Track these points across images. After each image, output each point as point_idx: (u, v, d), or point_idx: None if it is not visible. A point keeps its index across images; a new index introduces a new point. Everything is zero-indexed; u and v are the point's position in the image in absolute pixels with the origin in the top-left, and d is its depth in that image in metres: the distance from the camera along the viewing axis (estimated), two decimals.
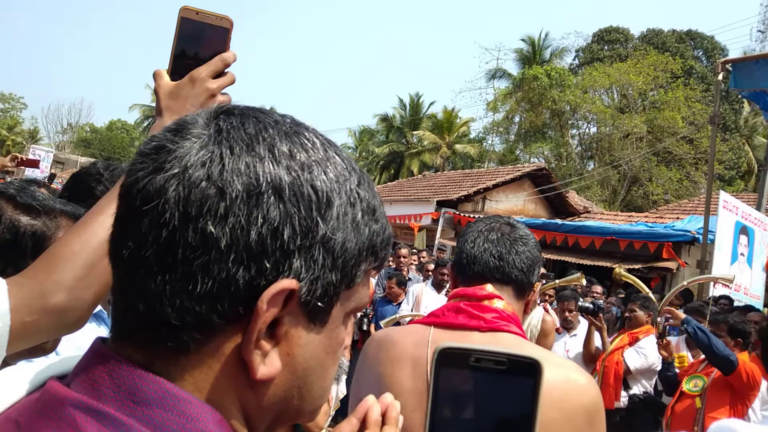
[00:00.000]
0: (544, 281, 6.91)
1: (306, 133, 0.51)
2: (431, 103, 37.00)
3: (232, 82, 0.92)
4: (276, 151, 0.48)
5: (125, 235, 0.47)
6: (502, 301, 1.22)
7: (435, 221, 14.63)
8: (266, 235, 0.45)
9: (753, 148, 23.47)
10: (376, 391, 0.62)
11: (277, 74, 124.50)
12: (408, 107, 36.87)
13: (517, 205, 16.12)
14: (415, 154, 32.98)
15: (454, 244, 14.56)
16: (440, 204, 14.97)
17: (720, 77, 5.74)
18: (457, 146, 32.00)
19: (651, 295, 4.77)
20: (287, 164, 0.47)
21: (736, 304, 7.62)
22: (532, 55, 29.90)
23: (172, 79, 0.90)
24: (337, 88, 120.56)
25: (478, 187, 15.56)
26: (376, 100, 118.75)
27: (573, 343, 4.75)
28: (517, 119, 29.04)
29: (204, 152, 0.46)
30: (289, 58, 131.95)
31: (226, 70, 0.92)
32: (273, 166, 0.47)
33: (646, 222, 12.64)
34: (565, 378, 1.11)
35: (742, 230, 10.01)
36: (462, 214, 14.69)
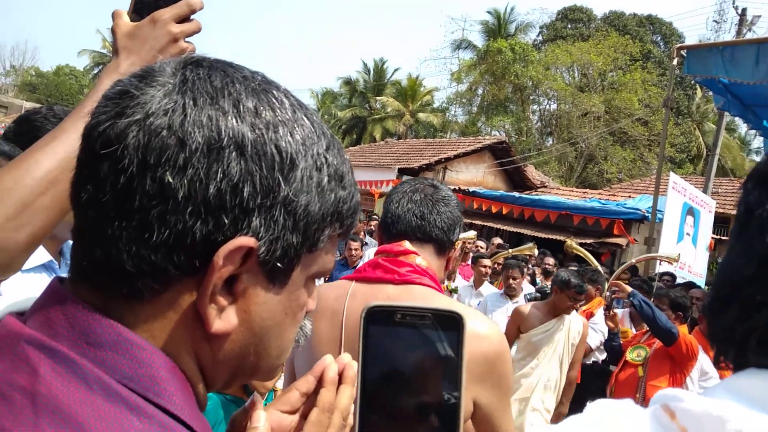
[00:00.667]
0: (498, 250, 7.08)
1: (275, 92, 0.50)
2: (396, 69, 36.65)
3: (198, 30, 0.86)
4: (241, 107, 0.46)
5: (84, 178, 0.46)
6: (419, 257, 1.28)
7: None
8: (225, 190, 0.44)
9: (703, 133, 24.39)
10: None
11: (237, 22, 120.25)
12: (372, 72, 36.38)
13: (477, 176, 16.30)
14: (377, 120, 32.72)
15: None
16: (401, 171, 14.98)
17: (675, 62, 5.87)
18: (420, 115, 31.91)
19: (600, 268, 4.93)
20: (252, 121, 0.46)
21: (678, 281, 8.00)
22: (497, 28, 29.83)
23: (132, 20, 0.84)
24: (299, 44, 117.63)
25: (440, 157, 15.62)
26: (340, 62, 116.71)
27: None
28: (480, 91, 29.14)
29: (167, 101, 0.45)
30: (250, 4, 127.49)
31: (191, 18, 0.85)
32: (236, 122, 0.46)
33: (600, 199, 13.04)
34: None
35: (689, 211, 10.44)
36: None
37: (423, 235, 1.32)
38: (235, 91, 0.47)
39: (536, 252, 5.98)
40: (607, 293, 4.76)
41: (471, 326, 1.14)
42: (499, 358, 1.18)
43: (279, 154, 0.46)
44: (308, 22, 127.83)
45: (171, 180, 0.43)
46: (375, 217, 11.83)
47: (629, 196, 13.22)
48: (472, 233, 6.55)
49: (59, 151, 0.77)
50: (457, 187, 13.95)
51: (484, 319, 1.24)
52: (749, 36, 14.17)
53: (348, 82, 37.12)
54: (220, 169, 0.44)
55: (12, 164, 0.80)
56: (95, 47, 46.47)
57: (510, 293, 4.86)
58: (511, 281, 4.82)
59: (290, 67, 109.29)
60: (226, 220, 0.45)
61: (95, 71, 46.66)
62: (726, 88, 6.43)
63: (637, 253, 10.06)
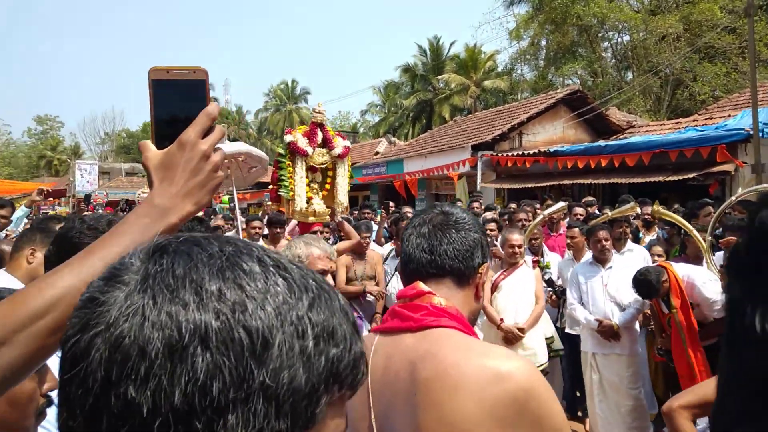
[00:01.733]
0: (596, 213, 6.67)
1: (246, 263, 0.46)
2: (452, 44, 35.93)
3: (222, 137, 0.85)
4: (203, 293, 0.43)
5: (60, 402, 0.44)
6: (435, 297, 1.20)
7: (474, 167, 14.33)
8: (192, 393, 0.40)
9: None
10: None
11: (293, 46, 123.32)
12: (428, 53, 35.85)
13: (556, 133, 15.53)
14: (443, 100, 32.23)
15: (498, 186, 14.28)
16: (475, 148, 14.63)
17: None
18: (486, 83, 31.00)
19: (694, 231, 4.39)
20: (215, 307, 0.43)
21: None
22: None
23: (159, 147, 0.83)
24: (352, 48, 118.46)
25: (512, 123, 15.06)
26: (396, 52, 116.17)
27: (611, 276, 4.50)
28: (543, 43, 27.74)
29: (128, 303, 0.43)
30: (296, 29, 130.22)
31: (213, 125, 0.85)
32: (198, 313, 0.42)
33: (696, 126, 11.95)
34: (481, 367, 1.06)
35: None
36: (500, 154, 14.33)
37: (437, 270, 1.24)
38: (197, 276, 0.44)
39: (638, 209, 5.57)
40: (710, 238, 4.31)
41: (486, 365, 1.06)
42: (530, 396, 1.04)
43: (249, 337, 0.42)
44: (354, 21, 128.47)
45: (134, 394, 0.40)
46: (459, 201, 11.65)
47: (728, 116, 11.97)
48: (560, 204, 6.24)
49: (67, 279, 0.73)
50: (536, 150, 13.39)
51: (506, 356, 1.11)
52: None
53: (407, 69, 36.85)
54: (184, 371, 0.40)
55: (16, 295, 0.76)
56: None
57: (602, 258, 4.56)
58: (601, 244, 4.52)
59: (348, 73, 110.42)
60: (198, 425, 0.40)
61: None
62: None
63: (749, 176, 9.11)
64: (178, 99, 0.84)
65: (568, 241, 5.12)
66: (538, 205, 7.59)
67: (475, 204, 8.57)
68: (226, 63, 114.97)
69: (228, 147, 6.26)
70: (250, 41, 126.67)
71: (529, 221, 5.90)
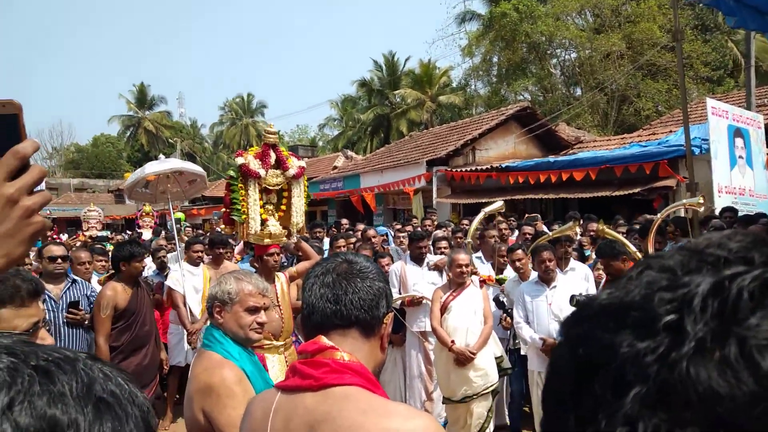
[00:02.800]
0: (540, 227, 6.83)
1: None
2: (407, 59, 36.29)
3: (42, 176, 0.75)
4: None
5: None
6: (338, 351, 1.16)
7: (429, 182, 14.47)
8: None
9: (737, 43, 22.86)
10: None
11: (249, 59, 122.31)
12: (384, 68, 36.19)
13: (508, 149, 15.88)
14: (401, 114, 32.54)
15: (453, 201, 14.45)
16: (430, 163, 14.78)
17: None
18: (441, 98, 31.49)
19: (637, 252, 4.57)
20: None
21: (741, 213, 7.52)
22: None
23: None
24: (308, 62, 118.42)
25: (466, 139, 15.31)
26: (352, 67, 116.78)
27: (555, 295, 4.59)
28: (495, 60, 28.42)
29: None
30: (252, 42, 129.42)
31: (30, 164, 0.75)
32: None
33: (640, 141, 12.45)
34: (382, 430, 1.05)
35: (736, 133, 9.85)
36: (454, 170, 14.53)
37: (342, 321, 1.20)
38: None
39: (577, 230, 5.71)
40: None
41: (391, 428, 1.05)
42: None
43: None
44: (310, 35, 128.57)
45: None
46: (414, 217, 11.73)
47: (670, 131, 12.54)
48: (498, 204, 6.32)
49: None
50: (489, 165, 13.65)
51: (407, 416, 1.09)
52: None
53: (363, 84, 37.10)
54: None
55: None
56: (122, 111, 48.51)
57: (546, 278, 4.64)
58: (545, 265, 4.61)
59: (305, 88, 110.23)
60: None
61: (127, 133, 48.60)
62: (738, 2, 5.95)
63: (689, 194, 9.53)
64: None
65: (516, 263, 5.19)
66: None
67: (428, 222, 8.63)
68: (180, 76, 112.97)
69: (162, 165, 6.16)
70: (204, 54, 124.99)
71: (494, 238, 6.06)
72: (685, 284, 0.36)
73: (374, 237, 6.83)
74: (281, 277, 4.35)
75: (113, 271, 4.79)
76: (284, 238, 4.56)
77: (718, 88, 22.87)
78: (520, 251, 5.17)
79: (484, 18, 27.68)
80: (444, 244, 5.85)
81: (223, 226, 4.83)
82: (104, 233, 15.14)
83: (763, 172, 10.30)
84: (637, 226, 6.21)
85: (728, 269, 0.35)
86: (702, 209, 5.12)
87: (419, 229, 7.35)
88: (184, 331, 5.45)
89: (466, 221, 8.44)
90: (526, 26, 24.02)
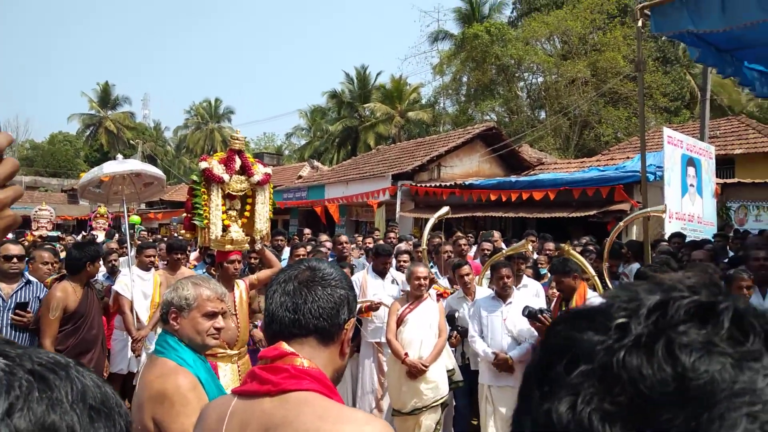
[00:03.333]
0: (485, 251, 6.95)
1: None
2: (378, 74, 36.76)
3: (13, 170, 0.70)
4: None
5: None
6: (298, 358, 1.17)
7: (393, 196, 14.54)
8: None
9: (694, 76, 23.92)
10: None
11: (218, 64, 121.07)
12: (356, 81, 36.38)
13: (472, 167, 16.14)
14: (369, 127, 32.69)
15: (416, 215, 14.56)
16: (396, 177, 14.88)
17: (639, 23, 5.67)
18: (410, 114, 31.81)
19: (595, 277, 4.73)
20: None
21: (688, 239, 7.81)
22: (471, 12, 29.62)
23: None
24: (281, 72, 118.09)
25: (432, 155, 15.49)
26: (323, 78, 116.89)
27: (510, 311, 4.65)
28: (464, 79, 28.94)
29: None
30: (224, 47, 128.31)
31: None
32: None
33: (598, 166, 12.83)
34: None
35: (689, 162, 10.26)
36: (418, 185, 14.65)
37: (300, 330, 1.21)
38: None
39: (530, 247, 5.84)
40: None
41: None
42: None
43: None
44: (282, 44, 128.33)
45: None
46: (377, 229, 11.75)
47: (627, 157, 12.99)
48: (445, 209, 6.38)
49: None
50: (453, 182, 13.82)
51: (363, 421, 1.11)
52: None
53: (334, 95, 37.18)
54: None
55: None
56: (83, 110, 47.21)
57: (503, 294, 4.71)
58: (503, 281, 4.68)
59: (276, 97, 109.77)
60: None
61: (87, 133, 47.28)
62: (699, 38, 6.24)
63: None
64: None
65: (463, 278, 5.24)
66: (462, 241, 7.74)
67: (391, 234, 8.66)
68: (146, 76, 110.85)
69: (120, 166, 6.00)
70: (173, 56, 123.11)
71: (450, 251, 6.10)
72: (639, 299, 0.46)
73: (345, 243, 6.85)
74: (241, 285, 4.27)
75: (63, 273, 4.64)
76: (246, 245, 4.50)
77: (675, 118, 23.85)
78: (466, 267, 5.25)
79: (456, 38, 28.22)
80: (406, 257, 5.87)
81: (182, 232, 4.72)
82: (55, 233, 14.62)
83: (711, 200, 10.75)
84: (591, 247, 6.37)
85: (675, 293, 0.45)
86: (664, 216, 5.37)
87: (381, 242, 7.36)
88: (128, 338, 5.28)
89: (439, 238, 8.50)
90: (496, 49, 24.58)
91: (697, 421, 0.38)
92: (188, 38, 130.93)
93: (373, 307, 5.27)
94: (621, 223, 5.31)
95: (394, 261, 5.84)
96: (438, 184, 14.12)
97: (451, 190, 13.28)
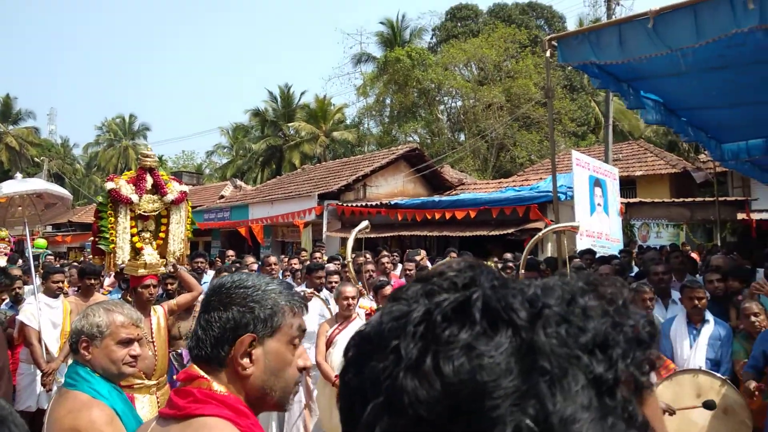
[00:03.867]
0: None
1: None
2: (302, 93, 36.68)
3: None
4: None
5: None
6: (206, 381, 1.19)
7: (320, 216, 14.51)
8: None
9: (598, 103, 25.82)
10: None
11: (132, 78, 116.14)
12: (279, 99, 36.12)
13: (397, 187, 16.45)
14: (294, 147, 32.47)
15: (342, 235, 14.58)
16: (322, 197, 14.87)
17: (548, 54, 6.11)
18: (335, 133, 31.96)
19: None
20: None
21: (598, 255, 8.36)
22: (393, 37, 30.44)
23: None
24: (200, 88, 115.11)
25: (357, 175, 15.64)
26: (246, 95, 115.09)
27: None
28: (388, 101, 29.55)
29: None
30: (139, 60, 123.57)
31: None
32: None
33: (514, 186, 13.49)
34: None
35: (596, 183, 11.01)
36: (345, 204, 14.72)
37: (203, 356, 1.22)
38: None
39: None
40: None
41: None
42: None
43: None
44: (206, 61, 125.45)
45: None
46: (304, 250, 11.65)
47: (541, 178, 13.75)
48: (364, 223, 6.42)
49: None
50: (379, 202, 14.02)
51: None
52: (618, 10, 15.20)
53: (257, 114, 36.67)
54: None
55: None
56: None
57: None
58: None
59: (196, 113, 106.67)
60: None
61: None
62: (601, 69, 6.78)
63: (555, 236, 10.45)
64: None
65: (383, 300, 5.35)
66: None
67: (317, 254, 8.64)
68: (52, 89, 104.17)
69: (21, 185, 5.58)
70: (82, 68, 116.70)
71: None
72: (407, 314, 0.45)
73: (274, 264, 6.79)
74: (158, 311, 4.06)
75: None
76: (162, 269, 4.30)
77: (582, 142, 25.55)
78: (388, 288, 5.31)
79: (379, 61, 28.83)
80: (336, 278, 5.88)
81: (91, 257, 4.45)
82: None
83: (617, 218, 11.59)
84: (510, 264, 6.69)
85: (437, 297, 0.45)
86: (578, 232, 5.77)
87: (308, 261, 7.35)
88: (37, 371, 4.89)
89: (363, 257, 8.56)
90: (417, 72, 25.35)
91: (473, 429, 0.38)
92: (100, 49, 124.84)
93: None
94: (537, 236, 5.63)
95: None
96: (364, 204, 14.26)
97: (377, 209, 13.46)
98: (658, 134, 24.03)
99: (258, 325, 1.22)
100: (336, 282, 5.74)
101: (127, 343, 2.09)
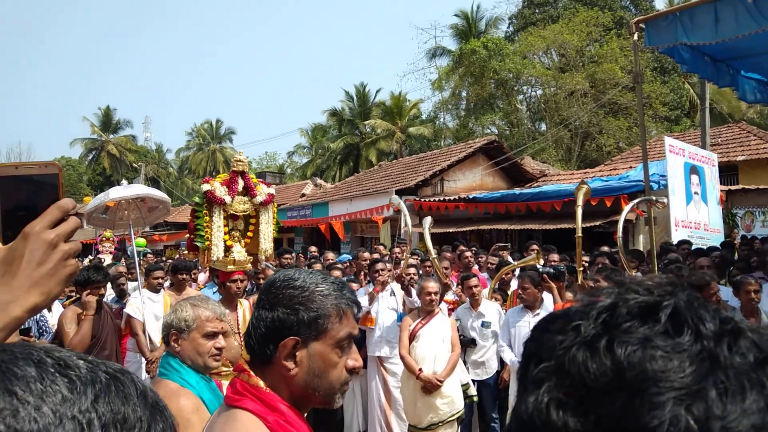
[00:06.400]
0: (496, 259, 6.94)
1: (19, 369, 0.47)
2: (378, 91, 37.08)
3: (77, 227, 0.85)
4: None
5: None
6: (249, 375, 1.25)
7: (398, 211, 14.56)
8: None
9: (693, 85, 24.08)
10: None
11: (218, 85, 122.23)
12: (356, 98, 36.65)
13: (475, 180, 16.18)
14: (370, 144, 32.85)
15: (420, 231, 14.53)
16: (399, 193, 14.90)
17: (635, 37, 5.76)
18: (411, 129, 31.98)
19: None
20: None
21: (694, 247, 7.80)
22: (468, 28, 29.95)
23: (6, 241, 0.84)
24: (281, 92, 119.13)
25: (435, 170, 15.54)
26: (323, 96, 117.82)
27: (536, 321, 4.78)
28: (464, 94, 29.15)
29: None
30: (224, 68, 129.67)
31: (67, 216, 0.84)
32: None
33: (601, 176, 12.85)
34: None
35: (692, 170, 10.28)
36: (422, 200, 14.68)
37: (251, 351, 1.27)
38: None
39: (541, 261, 5.87)
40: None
41: None
42: None
43: None
44: (285, 65, 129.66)
45: None
46: (383, 245, 11.75)
47: (630, 167, 13.02)
48: (533, 255, 6.29)
49: None
50: (457, 196, 13.85)
51: None
52: None
53: (334, 113, 37.42)
54: None
55: None
56: (85, 134, 47.56)
57: (528, 305, 4.85)
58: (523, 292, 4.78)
59: (277, 117, 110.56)
60: None
61: (90, 157, 47.59)
62: (694, 50, 6.31)
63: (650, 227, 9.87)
64: (28, 194, 0.86)
65: (472, 289, 5.29)
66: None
67: (396, 249, 8.67)
68: (147, 99, 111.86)
69: (125, 191, 6.06)
70: (173, 78, 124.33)
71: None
72: (594, 303, 0.52)
73: (365, 260, 6.87)
74: (245, 304, 4.28)
75: (77, 296, 4.67)
76: (249, 265, 4.52)
77: (676, 127, 23.94)
78: (474, 279, 5.30)
79: (454, 54, 28.48)
80: (412, 270, 5.87)
81: (186, 252, 4.76)
82: None
83: (716, 207, 10.76)
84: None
85: (629, 294, 0.51)
86: (661, 207, 5.56)
87: (386, 257, 7.39)
88: (142, 359, 5.28)
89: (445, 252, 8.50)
90: (494, 63, 24.79)
91: (632, 405, 0.44)
92: (188, 60, 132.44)
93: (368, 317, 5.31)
94: (622, 215, 5.36)
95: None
96: (442, 199, 14.16)
97: (455, 204, 13.31)
98: (763, 115, 22.07)
99: (302, 328, 1.23)
100: (414, 275, 5.73)
101: (212, 336, 2.20)
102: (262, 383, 1.22)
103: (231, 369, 3.98)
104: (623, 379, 0.45)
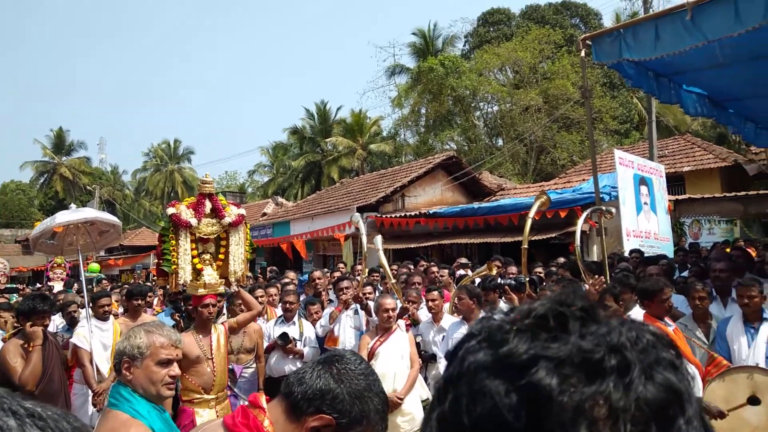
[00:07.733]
0: (461, 272, 7.04)
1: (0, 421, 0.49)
2: (338, 108, 37.09)
3: None
4: None
5: None
6: (262, 414, 1.28)
7: (359, 228, 14.57)
8: None
9: (641, 99, 25.07)
10: None
11: (175, 105, 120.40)
12: (316, 116, 36.68)
13: (435, 196, 16.38)
14: (332, 161, 32.86)
15: (383, 247, 14.56)
16: (361, 209, 14.93)
17: (583, 54, 5.99)
18: (372, 146, 32.16)
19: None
20: None
21: (645, 255, 8.08)
22: (426, 47, 30.50)
23: None
24: (240, 110, 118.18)
25: (395, 186, 15.66)
26: (284, 114, 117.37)
27: None
28: (423, 111, 29.56)
29: None
30: (181, 87, 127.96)
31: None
32: None
33: (556, 189, 13.20)
34: None
35: (641, 181, 10.66)
36: (384, 216, 14.75)
37: (285, 388, 1.30)
38: None
39: (494, 270, 5.96)
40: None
41: None
42: None
43: None
44: (243, 84, 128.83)
45: None
46: (343, 263, 11.72)
47: (584, 179, 13.43)
48: (484, 266, 6.35)
49: None
50: (417, 212, 13.98)
51: None
52: (656, 2, 14.78)
53: (295, 131, 37.33)
54: None
55: None
56: (36, 157, 45.95)
57: (465, 317, 4.87)
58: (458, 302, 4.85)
59: (235, 136, 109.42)
60: None
61: (41, 180, 45.96)
62: (638, 65, 6.59)
63: (602, 238, 10.16)
64: None
65: (429, 303, 5.32)
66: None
67: (359, 267, 8.67)
68: (101, 120, 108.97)
69: (73, 215, 5.85)
70: (128, 99, 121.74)
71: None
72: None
73: (319, 279, 6.89)
74: (219, 329, 4.22)
75: (19, 327, 4.47)
76: (221, 288, 4.45)
77: (626, 140, 24.84)
78: (435, 293, 5.32)
79: (412, 72, 28.91)
80: (369, 289, 5.89)
81: (154, 278, 4.66)
82: (12, 286, 14.03)
83: (665, 217, 11.17)
84: (553, 268, 6.54)
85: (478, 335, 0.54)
86: (609, 217, 5.66)
87: (349, 274, 7.40)
88: (89, 391, 5.08)
89: (394, 266, 8.56)
90: (451, 80, 25.28)
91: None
92: (144, 79, 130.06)
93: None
94: (577, 226, 5.49)
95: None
96: (403, 214, 14.25)
97: (416, 219, 13.42)
98: (706, 127, 23.12)
99: (344, 417, 1.27)
100: (370, 293, 5.75)
101: (166, 363, 2.13)
102: (268, 426, 1.25)
103: (204, 395, 3.91)
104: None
